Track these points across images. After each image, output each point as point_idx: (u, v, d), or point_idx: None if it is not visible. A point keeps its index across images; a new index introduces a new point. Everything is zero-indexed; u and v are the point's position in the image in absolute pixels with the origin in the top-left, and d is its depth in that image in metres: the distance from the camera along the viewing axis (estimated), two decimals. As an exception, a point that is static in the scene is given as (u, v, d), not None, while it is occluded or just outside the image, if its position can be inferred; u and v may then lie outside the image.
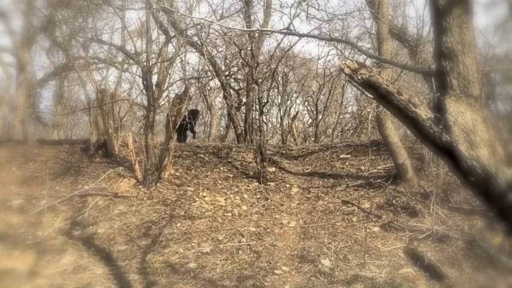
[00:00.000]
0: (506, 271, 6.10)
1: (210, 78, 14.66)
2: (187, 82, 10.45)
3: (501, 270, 6.14)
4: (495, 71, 8.92)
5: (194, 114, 11.72)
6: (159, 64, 9.44)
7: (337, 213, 8.06)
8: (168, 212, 8.15)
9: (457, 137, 2.67)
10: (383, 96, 2.82)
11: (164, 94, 10.02)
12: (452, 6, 2.80)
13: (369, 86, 2.83)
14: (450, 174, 7.49)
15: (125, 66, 11.90)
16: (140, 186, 8.90)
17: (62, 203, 8.32)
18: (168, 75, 9.92)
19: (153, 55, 9.58)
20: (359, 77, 2.79)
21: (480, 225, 7.18)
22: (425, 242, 6.99)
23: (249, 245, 7.21)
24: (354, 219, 7.81)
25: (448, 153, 2.72)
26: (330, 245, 7.08)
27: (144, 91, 9.70)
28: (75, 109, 13.58)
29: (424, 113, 2.76)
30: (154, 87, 9.24)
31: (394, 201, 8.07)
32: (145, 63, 9.22)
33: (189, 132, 12.70)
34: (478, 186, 2.70)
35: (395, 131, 8.69)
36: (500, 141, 2.73)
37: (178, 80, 11.99)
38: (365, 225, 7.49)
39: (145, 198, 8.58)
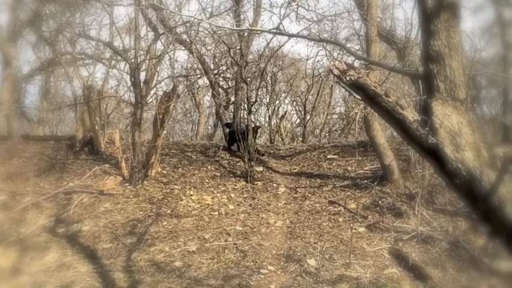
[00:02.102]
0: (489, 272, 6.19)
1: (198, 76, 14.62)
2: (175, 80, 10.41)
3: (484, 271, 6.22)
4: (481, 74, 9.04)
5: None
6: (147, 61, 9.38)
7: (324, 214, 8.09)
8: (154, 210, 8.10)
9: (442, 140, 2.70)
10: (371, 98, 2.84)
11: (152, 92, 9.96)
12: (440, 10, 2.83)
13: (357, 87, 2.85)
14: (435, 176, 7.56)
15: (113, 62, 11.80)
16: (126, 184, 8.83)
17: (47, 200, 8.22)
18: (157, 73, 9.86)
19: (142, 52, 9.51)
20: (347, 78, 2.80)
21: (464, 227, 7.27)
22: (410, 243, 7.06)
23: (235, 244, 7.20)
24: (340, 219, 7.85)
25: (434, 155, 2.75)
26: (316, 245, 7.10)
27: (131, 88, 9.63)
28: (61, 105, 13.42)
29: (411, 115, 2.78)
30: (142, 84, 9.17)
31: (380, 202, 8.13)
32: (133, 60, 9.15)
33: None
34: (462, 189, 2.73)
35: (382, 133, 8.75)
36: (485, 144, 2.76)
37: (167, 78, 11.95)
38: (351, 225, 7.53)
39: (131, 196, 8.52)
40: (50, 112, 13.43)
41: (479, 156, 2.67)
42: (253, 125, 10.74)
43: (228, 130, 10.89)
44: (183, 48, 12.48)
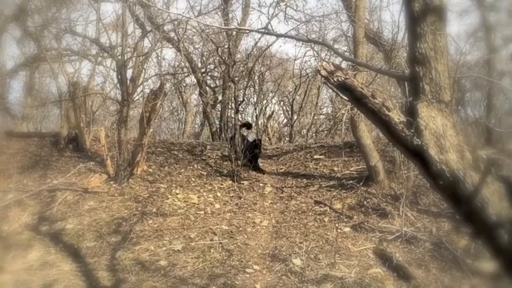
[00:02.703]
0: (471, 273, 6.27)
1: (186, 74, 14.59)
2: (162, 78, 10.35)
3: (466, 272, 6.31)
4: (466, 78, 9.15)
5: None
6: (134, 58, 9.31)
7: (310, 213, 8.12)
8: (139, 209, 8.05)
9: (427, 141, 2.72)
10: (357, 99, 2.85)
11: (139, 89, 9.89)
12: (426, 13, 2.86)
13: (344, 88, 2.86)
14: (420, 177, 7.66)
15: (99, 59, 11.68)
16: (111, 182, 8.76)
17: (30, 197, 8.11)
18: (143, 70, 9.79)
19: (128, 49, 9.44)
20: (335, 79, 2.81)
21: (447, 228, 7.37)
22: (394, 243, 7.13)
23: (221, 243, 7.19)
24: (326, 219, 7.89)
25: (419, 156, 2.77)
26: (302, 245, 7.13)
27: (118, 85, 9.56)
28: (45, 101, 13.23)
29: (396, 116, 2.80)
30: (128, 81, 9.10)
31: (365, 202, 8.19)
32: (120, 57, 9.07)
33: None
34: (446, 190, 2.75)
35: (368, 134, 8.81)
36: (468, 146, 2.79)
37: (154, 76, 11.87)
38: (336, 225, 7.57)
39: (116, 194, 8.45)
40: (34, 108, 13.23)
41: (463, 158, 2.70)
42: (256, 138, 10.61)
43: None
44: (171, 46, 12.44)
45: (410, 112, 2.84)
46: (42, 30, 11.07)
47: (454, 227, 7.25)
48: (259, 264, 6.72)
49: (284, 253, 6.95)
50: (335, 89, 3.06)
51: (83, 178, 8.82)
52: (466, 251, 6.66)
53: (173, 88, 14.33)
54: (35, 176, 8.92)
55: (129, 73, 9.22)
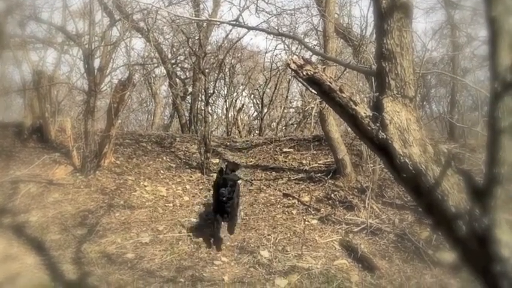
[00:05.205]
0: (432, 263, 6.49)
1: (155, 65, 14.36)
2: (131, 68, 10.16)
3: (428, 262, 6.53)
4: (431, 74, 9.39)
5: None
6: (102, 48, 9.11)
7: (278, 206, 8.20)
8: (106, 201, 7.93)
9: (392, 135, 2.80)
10: (326, 93, 2.90)
11: (106, 79, 9.67)
12: (393, 10, 2.93)
13: (313, 82, 2.90)
14: (385, 170, 7.83)
15: (65, 47, 11.35)
16: (77, 174, 8.59)
17: (-9, 189, 7.87)
18: (112, 60, 9.58)
19: (96, 38, 9.21)
20: (304, 73, 2.85)
21: (410, 220, 7.58)
22: (360, 235, 7.29)
23: (189, 235, 7.18)
24: (294, 211, 7.98)
25: (384, 150, 2.85)
26: (270, 237, 7.20)
27: (85, 75, 9.33)
28: (8, 90, 12.79)
29: (363, 110, 2.87)
30: (96, 71, 8.90)
31: (332, 195, 8.32)
32: (87, 46, 8.86)
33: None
34: (409, 182, 2.84)
35: (336, 127, 8.93)
36: (431, 140, 2.89)
37: (122, 66, 11.62)
38: (304, 217, 7.67)
39: (82, 186, 8.29)
40: (-4, 97, 12.78)
41: (425, 152, 2.79)
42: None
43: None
44: (140, 36, 12.22)
45: (376, 106, 2.91)
46: (6, 16, 10.67)
47: (416, 219, 7.47)
48: (227, 256, 6.75)
49: (252, 245, 7.00)
50: (304, 83, 3.10)
51: (48, 169, 8.60)
52: (427, 242, 6.89)
53: (142, 79, 14.08)
54: (-4, 167, 8.66)
55: (96, 62, 9.03)
